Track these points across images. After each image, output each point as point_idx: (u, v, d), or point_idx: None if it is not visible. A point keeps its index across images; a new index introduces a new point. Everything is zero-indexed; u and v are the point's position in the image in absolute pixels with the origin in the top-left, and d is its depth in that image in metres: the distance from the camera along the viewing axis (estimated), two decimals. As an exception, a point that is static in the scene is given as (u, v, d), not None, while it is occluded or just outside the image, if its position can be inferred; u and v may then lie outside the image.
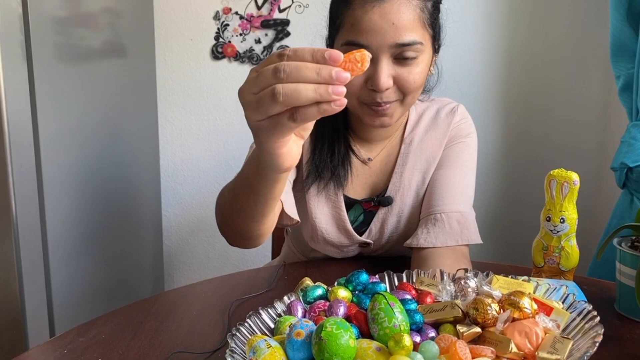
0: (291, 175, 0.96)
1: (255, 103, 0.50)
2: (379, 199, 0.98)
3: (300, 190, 0.97)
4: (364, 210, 1.00)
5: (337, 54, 0.47)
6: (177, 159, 1.84)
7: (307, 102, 0.47)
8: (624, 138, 1.38)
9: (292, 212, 0.88)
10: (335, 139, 0.96)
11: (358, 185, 0.99)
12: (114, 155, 1.45)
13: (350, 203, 0.99)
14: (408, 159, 0.98)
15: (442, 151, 0.98)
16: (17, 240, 1.03)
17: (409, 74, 0.83)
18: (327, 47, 0.95)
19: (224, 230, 0.83)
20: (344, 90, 0.47)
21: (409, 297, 0.55)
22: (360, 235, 0.99)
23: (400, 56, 0.82)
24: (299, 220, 0.90)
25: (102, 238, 1.39)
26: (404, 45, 0.82)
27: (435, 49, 0.91)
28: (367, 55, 0.48)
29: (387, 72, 0.82)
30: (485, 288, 0.52)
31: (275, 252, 1.30)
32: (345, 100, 0.48)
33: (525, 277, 0.60)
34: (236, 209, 0.73)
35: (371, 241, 1.00)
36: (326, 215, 0.97)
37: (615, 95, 1.48)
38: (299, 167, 0.98)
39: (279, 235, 1.30)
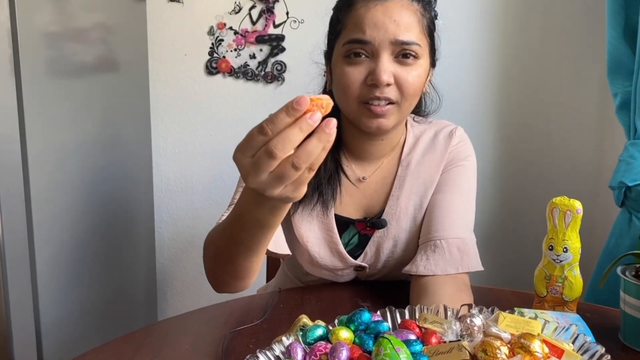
0: None
1: (276, 180, 0.55)
2: (373, 220, 0.96)
3: (288, 215, 0.95)
4: (359, 232, 0.97)
5: (303, 99, 0.52)
6: (170, 175, 1.82)
7: (320, 154, 0.54)
8: (622, 156, 1.38)
9: (281, 248, 0.87)
10: None
11: (351, 205, 0.97)
12: (106, 171, 1.42)
13: (344, 224, 0.97)
14: (405, 182, 0.96)
15: (440, 175, 0.96)
16: (3, 261, 1.00)
17: (408, 74, 0.85)
18: (325, 58, 0.96)
19: (215, 275, 0.81)
20: (330, 120, 0.53)
21: (413, 337, 0.53)
22: (355, 258, 0.97)
23: (401, 54, 0.85)
24: (290, 253, 0.89)
25: (94, 256, 1.35)
26: (404, 42, 0.84)
27: (432, 63, 0.92)
28: (331, 102, 0.54)
29: (387, 67, 0.84)
30: (494, 330, 0.49)
31: (270, 274, 1.28)
32: (334, 122, 0.53)
33: (532, 314, 0.58)
34: (234, 245, 0.71)
35: (366, 265, 0.98)
36: (317, 239, 0.95)
37: (612, 113, 1.48)
38: None
39: (273, 258, 1.28)
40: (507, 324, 0.54)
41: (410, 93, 0.86)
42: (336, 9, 0.92)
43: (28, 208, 1.07)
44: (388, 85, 0.84)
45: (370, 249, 0.97)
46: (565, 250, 0.77)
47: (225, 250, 0.73)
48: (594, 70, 1.68)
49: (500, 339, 0.49)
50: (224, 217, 0.86)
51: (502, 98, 1.75)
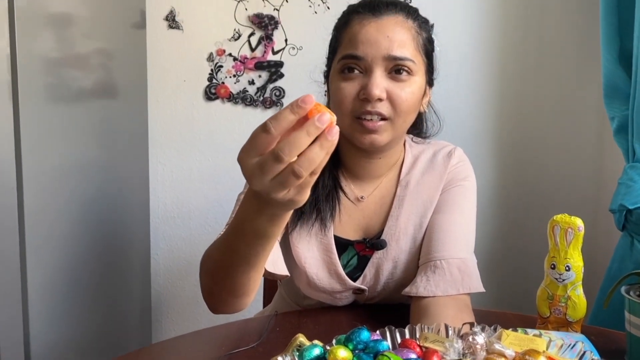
0: None
1: (280, 185, 0.54)
2: (372, 241, 0.94)
3: (285, 234, 0.94)
4: (358, 253, 0.96)
5: (309, 97, 0.51)
6: (167, 201, 1.80)
7: (322, 161, 0.53)
8: (622, 180, 1.37)
9: (279, 268, 0.85)
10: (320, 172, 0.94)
11: (350, 225, 0.96)
12: (102, 196, 1.41)
13: (342, 245, 0.95)
14: (404, 201, 0.95)
15: (439, 195, 0.95)
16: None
17: (401, 90, 0.85)
18: (324, 77, 0.97)
19: (212, 292, 0.79)
20: (334, 127, 0.52)
21: (414, 356, 0.51)
22: (354, 280, 0.95)
23: (394, 70, 0.85)
24: (288, 274, 0.87)
25: (87, 281, 1.33)
26: (397, 58, 0.85)
27: (429, 82, 0.92)
28: (335, 117, 0.52)
29: (380, 82, 0.84)
30: (497, 346, 0.48)
31: (267, 300, 1.25)
32: (337, 129, 0.52)
33: (537, 332, 0.56)
34: (233, 257, 0.69)
35: (365, 287, 0.96)
36: (316, 260, 0.93)
37: (610, 135, 1.48)
38: None
39: (270, 283, 1.26)
40: (511, 341, 0.52)
41: (404, 109, 0.86)
42: (335, 29, 0.94)
43: (21, 232, 1.05)
44: (380, 100, 0.84)
45: (369, 270, 0.95)
46: (567, 269, 0.75)
47: (223, 264, 0.72)
48: (591, 94, 1.69)
49: (504, 356, 0.47)
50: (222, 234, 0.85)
51: (500, 120, 1.76)
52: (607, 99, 1.44)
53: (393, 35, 0.85)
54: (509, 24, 1.71)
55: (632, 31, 1.34)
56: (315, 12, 1.68)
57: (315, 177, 0.55)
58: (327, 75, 0.95)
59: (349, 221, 0.96)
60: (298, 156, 0.52)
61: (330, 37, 0.95)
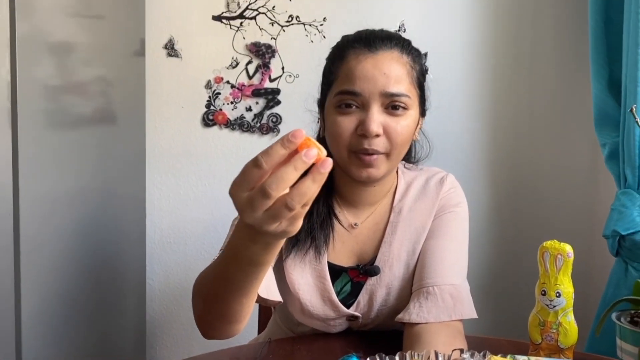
0: None
1: (271, 218, 0.54)
2: (366, 268, 0.95)
3: (278, 260, 0.95)
4: (351, 280, 0.96)
5: (299, 131, 0.53)
6: (163, 226, 1.81)
7: (314, 193, 0.54)
8: (614, 205, 1.38)
9: (273, 294, 0.86)
10: (314, 201, 0.95)
11: (343, 252, 0.97)
12: (99, 221, 1.41)
13: (336, 272, 0.96)
14: (397, 228, 0.96)
15: (432, 221, 0.96)
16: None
17: (397, 124, 0.87)
18: (318, 106, 0.98)
19: (204, 319, 0.79)
20: (326, 159, 0.53)
21: (401, 382, 0.51)
22: (348, 307, 0.95)
23: (390, 105, 0.87)
24: (281, 300, 0.87)
25: (82, 307, 1.32)
26: (394, 95, 0.86)
27: (421, 112, 0.94)
28: (324, 151, 0.54)
29: (377, 118, 0.86)
30: (483, 373, 0.48)
31: (262, 326, 1.25)
32: (329, 161, 0.53)
33: (525, 358, 0.56)
34: (225, 284, 0.69)
35: (359, 314, 0.96)
36: (309, 286, 0.94)
37: (603, 161, 1.50)
38: None
39: (265, 310, 1.25)
40: (498, 367, 0.52)
41: (399, 143, 0.88)
42: (329, 60, 0.96)
43: (16, 256, 1.05)
44: (377, 136, 0.86)
45: (363, 297, 0.95)
46: (558, 295, 0.76)
47: (216, 290, 0.72)
48: (583, 121, 1.71)
49: (490, 382, 0.47)
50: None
51: (495, 148, 1.77)
52: (598, 127, 1.46)
53: (389, 72, 0.86)
54: (502, 52, 1.74)
55: (620, 60, 1.37)
56: (312, 41, 1.72)
57: (307, 208, 0.56)
58: (321, 104, 0.96)
59: (343, 248, 0.97)
60: (290, 189, 0.53)
61: (324, 65, 0.97)
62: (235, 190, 0.55)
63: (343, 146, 0.88)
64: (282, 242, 0.63)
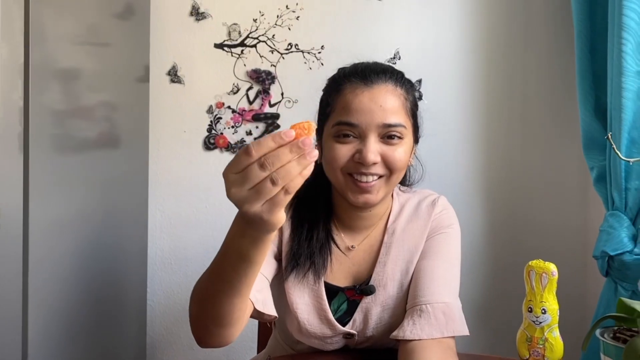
0: (270, 270, 0.97)
1: (256, 194, 0.59)
2: (361, 287, 0.98)
3: (280, 280, 0.98)
4: (347, 298, 1.00)
5: (289, 130, 0.60)
6: (165, 247, 1.84)
7: (297, 175, 0.59)
8: (603, 227, 1.42)
9: (268, 309, 0.89)
10: (314, 227, 0.99)
11: (340, 273, 1.00)
12: (102, 243, 1.45)
13: (333, 291, 0.99)
14: (391, 249, 1.00)
15: (424, 242, 1.00)
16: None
17: (394, 152, 0.91)
18: (315, 134, 1.02)
19: (198, 321, 0.82)
20: (313, 149, 0.60)
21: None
22: (344, 325, 0.99)
23: (387, 135, 0.91)
24: (277, 316, 0.91)
25: (86, 328, 1.35)
26: (390, 125, 0.91)
27: (415, 140, 0.99)
28: (313, 124, 0.61)
29: (374, 148, 0.90)
30: (467, 382, 0.52)
31: (262, 345, 1.28)
32: (316, 153, 0.60)
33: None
34: (217, 282, 0.74)
35: (355, 332, 0.99)
36: (307, 305, 0.97)
37: (591, 185, 1.54)
38: (279, 260, 0.99)
39: (265, 328, 1.28)
40: (482, 377, 0.56)
41: (397, 168, 0.93)
42: (325, 92, 1.00)
43: (25, 276, 1.08)
44: (374, 164, 0.90)
45: (358, 315, 0.99)
46: (543, 311, 0.80)
47: (209, 290, 0.76)
48: (573, 146, 1.76)
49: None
50: None
51: (487, 172, 1.82)
52: (586, 150, 1.51)
53: (385, 104, 0.91)
54: (494, 78, 1.80)
55: (605, 86, 1.42)
56: (310, 68, 1.78)
57: (288, 198, 0.60)
58: (318, 133, 1.00)
59: (340, 269, 1.00)
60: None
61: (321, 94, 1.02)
62: (226, 170, 0.61)
63: (339, 169, 0.93)
64: (269, 240, 0.67)
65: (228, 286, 0.73)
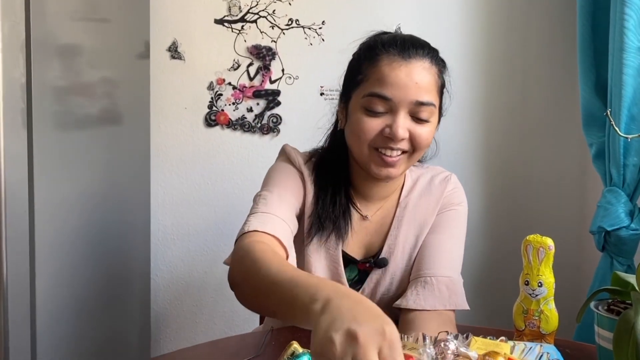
0: (294, 230, 0.95)
1: None
2: (375, 260, 1.01)
3: (300, 244, 1.00)
4: (359, 270, 1.02)
5: None
6: (167, 223, 1.86)
7: None
8: (600, 203, 1.44)
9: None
10: (337, 192, 1.00)
11: (355, 243, 1.02)
12: (105, 220, 1.46)
13: (347, 260, 1.01)
14: (403, 221, 1.02)
15: (434, 217, 1.02)
16: (5, 301, 1.03)
17: (422, 130, 0.91)
18: (340, 99, 1.00)
19: (242, 295, 0.78)
20: None
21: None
22: None
23: (416, 113, 0.90)
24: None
25: (92, 302, 1.38)
26: (422, 103, 0.90)
27: (438, 119, 0.99)
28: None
29: (404, 123, 0.90)
30: (462, 349, 0.54)
31: (263, 317, 1.30)
32: None
33: (503, 338, 0.62)
34: (273, 307, 0.70)
35: None
36: (324, 269, 0.99)
37: (591, 160, 1.55)
38: (300, 221, 0.99)
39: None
40: (478, 346, 0.58)
41: (422, 146, 0.93)
42: (358, 58, 0.97)
43: (32, 253, 1.10)
44: (403, 139, 0.91)
45: (368, 285, 1.01)
46: (540, 285, 0.82)
47: (262, 299, 0.72)
48: (572, 123, 1.76)
49: (469, 357, 0.53)
50: (251, 219, 0.88)
51: (488, 147, 1.83)
52: (586, 127, 1.51)
53: (420, 82, 0.90)
54: (495, 57, 1.80)
55: (606, 63, 1.42)
56: (311, 44, 1.77)
57: None
58: (343, 99, 0.98)
59: (353, 238, 1.02)
60: None
61: (349, 59, 0.98)
62: None
63: (365, 143, 0.92)
64: None
65: (281, 315, 0.70)
